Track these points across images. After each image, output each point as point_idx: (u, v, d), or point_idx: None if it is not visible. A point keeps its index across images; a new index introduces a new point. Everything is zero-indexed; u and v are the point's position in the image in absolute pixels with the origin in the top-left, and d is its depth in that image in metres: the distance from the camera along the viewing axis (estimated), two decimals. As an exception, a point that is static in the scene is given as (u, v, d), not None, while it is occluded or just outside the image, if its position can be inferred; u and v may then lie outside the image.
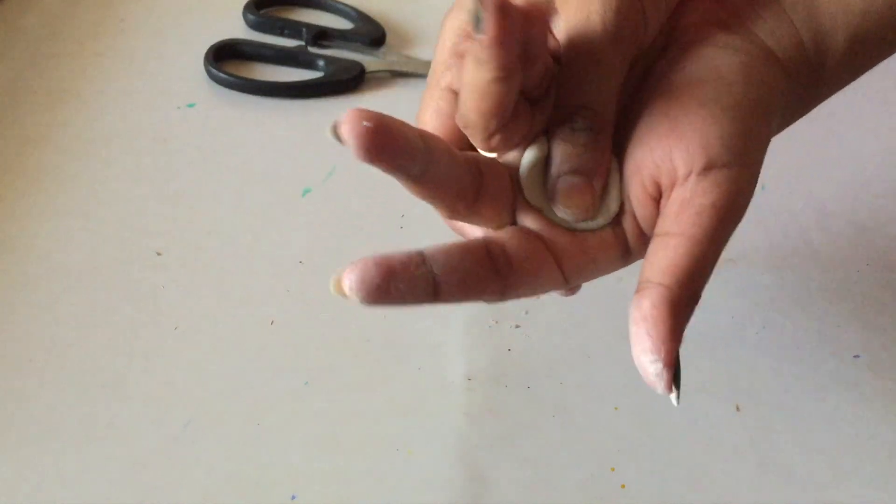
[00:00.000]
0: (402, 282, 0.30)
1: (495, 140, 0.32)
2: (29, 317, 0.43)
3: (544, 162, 0.33)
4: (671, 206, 0.32)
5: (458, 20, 0.34)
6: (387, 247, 0.47)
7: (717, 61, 0.32)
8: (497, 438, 0.39)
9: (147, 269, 0.45)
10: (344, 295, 0.29)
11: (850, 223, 0.48)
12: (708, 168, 0.31)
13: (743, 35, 0.33)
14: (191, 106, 0.54)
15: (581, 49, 0.32)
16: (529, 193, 0.33)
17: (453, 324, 0.43)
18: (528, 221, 0.33)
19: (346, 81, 0.55)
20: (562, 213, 0.32)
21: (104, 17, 0.60)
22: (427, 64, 0.57)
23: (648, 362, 0.29)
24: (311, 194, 0.49)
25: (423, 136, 0.31)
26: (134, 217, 0.48)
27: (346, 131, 0.29)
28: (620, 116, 0.34)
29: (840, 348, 0.42)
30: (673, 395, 0.30)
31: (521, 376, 0.41)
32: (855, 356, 0.42)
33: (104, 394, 0.40)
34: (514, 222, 0.34)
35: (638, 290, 0.31)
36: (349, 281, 0.29)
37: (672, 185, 0.32)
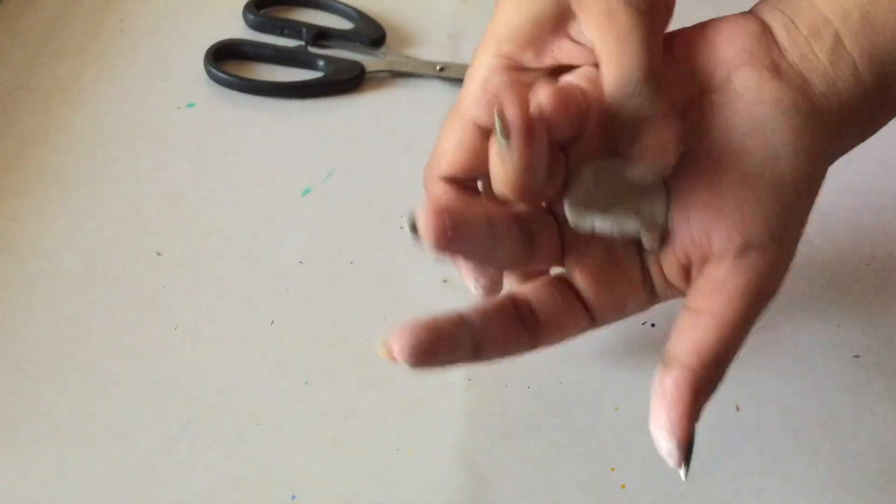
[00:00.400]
0: (448, 345, 0.31)
1: (535, 202, 0.33)
2: (29, 317, 0.43)
3: (591, 183, 0.33)
4: (704, 282, 0.31)
5: (490, 55, 0.34)
6: (386, 247, 0.47)
7: (765, 125, 0.31)
8: (497, 438, 0.39)
9: (147, 269, 0.45)
10: (391, 359, 0.30)
11: (850, 223, 0.48)
12: (743, 248, 0.31)
13: (794, 85, 0.32)
14: (191, 106, 0.54)
15: (611, 34, 0.31)
16: (577, 214, 0.33)
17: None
18: (572, 266, 0.34)
19: (346, 81, 0.55)
20: (650, 156, 0.31)
21: (104, 17, 0.60)
22: (427, 64, 0.57)
23: (662, 438, 0.31)
24: (311, 194, 0.49)
25: (489, 215, 0.31)
26: (134, 217, 0.48)
27: (424, 227, 0.29)
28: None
29: (840, 348, 0.42)
30: (682, 471, 0.31)
31: (521, 376, 0.41)
32: (855, 356, 0.42)
33: (104, 394, 0.40)
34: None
35: (663, 363, 0.31)
36: (398, 346, 0.30)
37: (705, 259, 0.32)
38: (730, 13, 0.34)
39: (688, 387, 0.30)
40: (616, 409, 0.40)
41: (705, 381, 0.31)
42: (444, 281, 0.45)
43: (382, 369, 0.41)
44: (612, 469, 0.38)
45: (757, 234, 0.31)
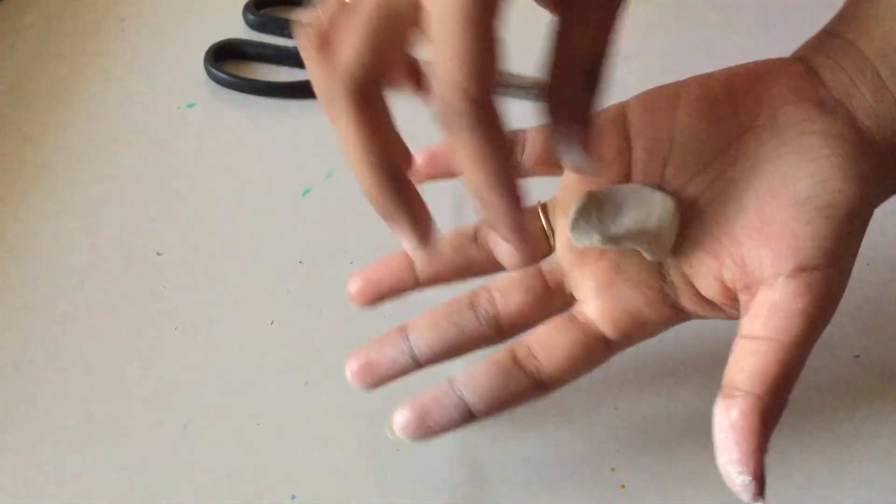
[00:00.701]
0: (437, 414, 0.34)
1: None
2: (29, 317, 0.43)
3: (591, 202, 0.34)
4: (759, 307, 0.31)
5: None
6: (387, 247, 0.47)
7: (814, 153, 0.31)
8: (497, 438, 0.39)
9: (147, 269, 0.45)
10: (400, 438, 0.35)
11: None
12: (798, 271, 0.30)
13: (840, 118, 0.32)
14: (191, 106, 0.54)
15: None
16: (578, 233, 0.34)
17: (453, 324, 0.43)
18: (575, 283, 0.35)
19: (346, 81, 0.55)
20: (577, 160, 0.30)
21: (104, 17, 0.60)
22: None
23: (735, 473, 0.29)
24: (311, 194, 0.49)
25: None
26: (134, 217, 0.48)
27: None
28: (700, 177, 0.33)
29: (840, 348, 0.42)
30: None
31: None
32: (855, 356, 0.42)
33: (104, 394, 0.40)
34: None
35: (725, 395, 0.30)
36: (397, 426, 0.35)
37: (755, 283, 0.31)
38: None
39: (756, 417, 0.29)
40: (616, 409, 0.40)
41: (772, 409, 0.30)
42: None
43: (382, 369, 0.41)
44: (612, 469, 0.38)
45: (810, 256, 0.30)
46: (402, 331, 0.36)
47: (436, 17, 0.26)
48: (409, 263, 0.37)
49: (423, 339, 0.35)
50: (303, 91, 0.55)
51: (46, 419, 0.39)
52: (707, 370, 0.41)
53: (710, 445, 0.39)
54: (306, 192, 0.49)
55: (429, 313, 0.36)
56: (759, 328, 0.31)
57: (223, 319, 0.43)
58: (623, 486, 0.37)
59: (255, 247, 0.46)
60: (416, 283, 0.37)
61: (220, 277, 0.45)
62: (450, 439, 0.39)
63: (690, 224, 0.33)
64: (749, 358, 0.31)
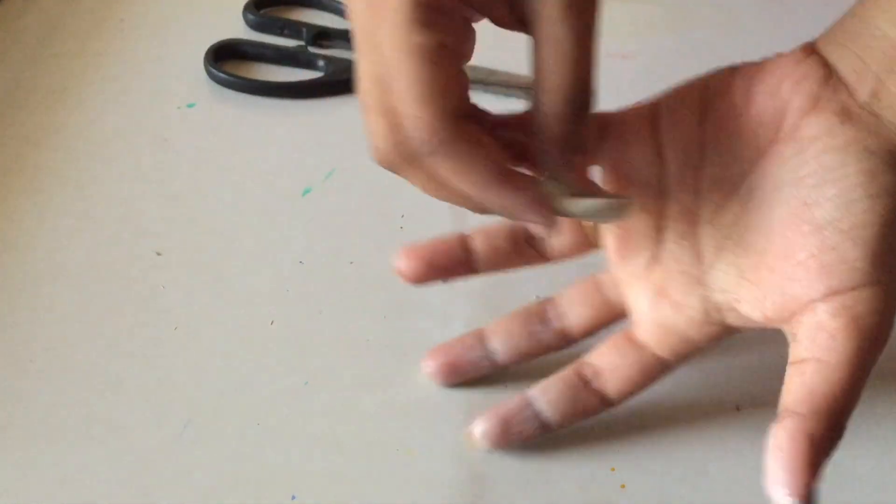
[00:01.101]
0: (517, 427, 0.37)
1: None
2: (29, 317, 0.43)
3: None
4: (804, 332, 0.31)
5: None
6: (386, 247, 0.47)
7: (835, 173, 0.30)
8: (497, 438, 0.39)
9: (147, 269, 0.45)
10: (479, 446, 0.37)
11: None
12: (831, 295, 0.30)
13: (864, 127, 0.30)
14: (191, 106, 0.54)
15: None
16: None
17: (453, 324, 0.43)
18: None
19: (346, 81, 0.55)
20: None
21: (104, 17, 0.60)
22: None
23: (782, 496, 0.28)
24: (311, 194, 0.49)
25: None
26: (134, 217, 0.48)
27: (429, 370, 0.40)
28: (718, 194, 0.33)
29: (840, 348, 0.42)
30: None
31: (521, 376, 0.41)
32: (855, 356, 0.42)
33: (104, 394, 0.40)
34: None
35: (778, 419, 0.30)
36: (478, 435, 0.37)
37: (798, 312, 0.31)
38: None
39: (803, 437, 0.29)
40: (616, 409, 0.40)
41: (821, 431, 0.29)
42: (445, 281, 0.45)
43: (382, 370, 0.41)
44: (613, 469, 0.38)
45: (841, 279, 0.30)
46: (480, 336, 0.39)
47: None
48: (467, 254, 0.38)
49: (500, 345, 0.39)
50: (303, 91, 0.55)
51: (46, 419, 0.39)
52: (707, 370, 0.41)
53: (710, 447, 0.39)
54: (306, 192, 0.49)
55: (504, 321, 0.39)
56: (804, 351, 0.31)
57: (223, 319, 0.43)
58: (623, 487, 0.37)
59: (255, 247, 0.46)
60: (472, 272, 0.39)
61: (220, 277, 0.45)
62: (450, 440, 0.39)
63: (736, 253, 0.33)
64: (796, 380, 0.30)
